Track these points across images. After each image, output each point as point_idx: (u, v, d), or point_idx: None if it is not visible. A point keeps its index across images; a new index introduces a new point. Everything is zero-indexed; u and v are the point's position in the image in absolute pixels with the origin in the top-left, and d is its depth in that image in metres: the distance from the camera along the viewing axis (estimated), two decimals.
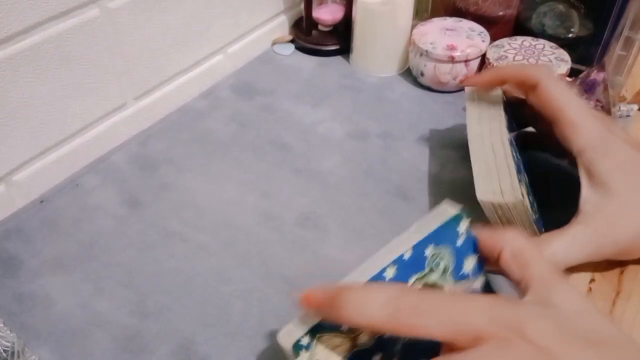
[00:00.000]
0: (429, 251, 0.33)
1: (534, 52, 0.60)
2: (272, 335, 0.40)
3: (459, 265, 0.34)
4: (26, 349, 0.38)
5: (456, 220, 0.33)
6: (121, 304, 0.42)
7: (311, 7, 0.70)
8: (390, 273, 0.32)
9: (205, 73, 0.66)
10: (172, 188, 0.52)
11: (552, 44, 0.61)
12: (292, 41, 0.74)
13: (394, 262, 0.32)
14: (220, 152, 0.57)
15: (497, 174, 0.40)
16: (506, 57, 0.59)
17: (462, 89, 0.65)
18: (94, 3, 0.50)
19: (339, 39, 0.72)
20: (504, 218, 0.41)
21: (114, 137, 0.57)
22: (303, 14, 0.72)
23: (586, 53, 0.62)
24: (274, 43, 0.74)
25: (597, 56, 0.62)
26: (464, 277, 0.34)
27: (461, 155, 0.56)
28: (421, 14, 0.73)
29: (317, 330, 0.31)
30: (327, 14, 0.72)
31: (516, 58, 0.59)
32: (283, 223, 0.49)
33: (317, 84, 0.67)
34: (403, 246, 0.32)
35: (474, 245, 0.34)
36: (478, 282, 0.35)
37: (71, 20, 0.48)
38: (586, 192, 0.39)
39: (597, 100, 0.56)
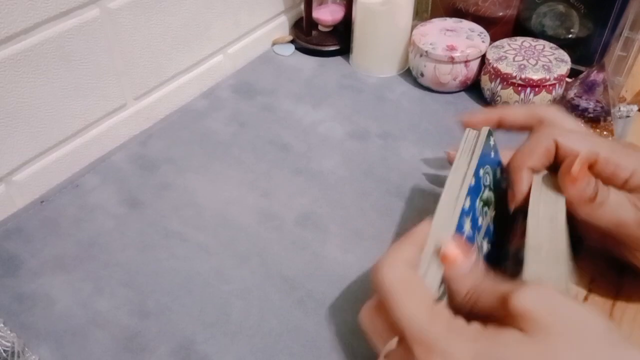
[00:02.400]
0: (482, 172, 0.36)
1: (533, 53, 0.60)
2: (272, 335, 0.40)
3: (495, 174, 0.39)
4: (26, 348, 0.38)
5: (489, 136, 0.37)
6: (121, 303, 0.42)
7: (311, 8, 0.70)
8: (466, 204, 0.33)
9: (206, 73, 0.66)
10: (172, 188, 0.52)
11: (552, 44, 0.61)
12: (292, 41, 0.74)
13: (468, 193, 0.33)
14: (220, 152, 0.57)
15: (559, 269, 0.34)
16: (506, 57, 0.59)
17: (461, 90, 0.65)
18: (94, 3, 0.50)
19: (339, 39, 0.72)
20: None
21: (114, 137, 0.57)
22: (303, 14, 0.72)
23: (586, 53, 0.62)
24: (274, 43, 0.74)
25: (597, 57, 0.62)
26: (499, 182, 0.39)
27: None
28: (421, 15, 0.73)
29: None
30: (327, 14, 0.72)
31: (516, 58, 0.59)
32: (283, 223, 0.49)
33: (317, 84, 0.67)
34: (467, 176, 0.34)
35: (498, 154, 0.39)
36: (505, 184, 0.39)
37: (71, 21, 0.48)
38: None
39: (597, 101, 0.56)
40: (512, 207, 0.38)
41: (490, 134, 0.37)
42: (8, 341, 0.38)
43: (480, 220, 0.36)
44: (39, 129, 0.50)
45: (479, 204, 0.35)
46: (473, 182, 0.34)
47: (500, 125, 0.42)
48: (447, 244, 0.30)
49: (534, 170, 0.38)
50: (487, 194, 0.37)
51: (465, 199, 0.33)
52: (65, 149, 0.53)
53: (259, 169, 0.55)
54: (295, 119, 0.61)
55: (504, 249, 0.39)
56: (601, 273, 0.42)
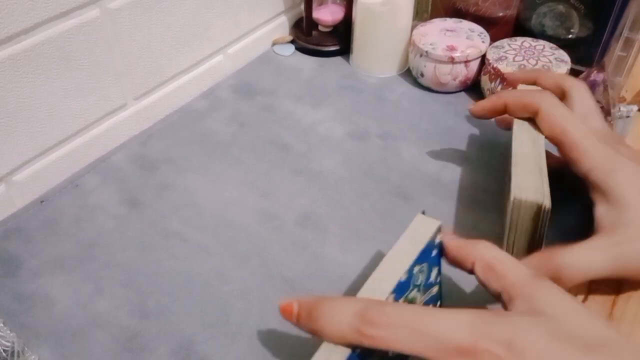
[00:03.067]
0: (416, 269, 0.32)
1: (533, 53, 0.60)
2: (272, 335, 0.40)
3: (428, 275, 0.34)
4: (26, 348, 0.38)
5: (437, 233, 0.33)
6: (121, 303, 0.42)
7: (311, 8, 0.70)
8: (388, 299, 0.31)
9: (206, 73, 0.66)
10: (172, 188, 0.52)
11: (552, 44, 0.61)
12: (292, 42, 0.74)
13: (394, 290, 0.30)
14: (220, 152, 0.57)
15: (541, 179, 0.39)
16: (506, 57, 0.59)
17: (461, 90, 0.65)
18: (94, 3, 0.50)
19: (339, 39, 0.72)
20: (521, 224, 0.40)
21: (114, 137, 0.57)
22: (303, 14, 0.72)
23: (586, 54, 0.62)
24: (274, 43, 0.74)
25: (597, 57, 0.62)
26: (430, 286, 0.35)
27: (461, 156, 0.56)
28: (421, 15, 0.73)
29: None
30: (327, 14, 0.72)
31: (516, 59, 0.59)
32: (283, 223, 0.49)
33: (317, 85, 0.67)
34: (398, 271, 0.31)
35: (440, 254, 0.35)
36: (435, 288, 0.37)
37: (71, 21, 0.48)
38: (601, 209, 0.38)
39: (597, 101, 0.56)
40: (470, 107, 0.48)
41: (439, 230, 0.33)
42: (8, 341, 0.38)
43: None
44: (39, 129, 0.50)
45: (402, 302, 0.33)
46: (404, 278, 0.31)
47: (500, 108, 0.46)
48: None
49: (504, 108, 0.46)
50: (414, 294, 0.33)
51: (389, 295, 0.30)
52: (65, 149, 0.53)
53: (259, 169, 0.55)
54: (295, 119, 0.61)
55: None
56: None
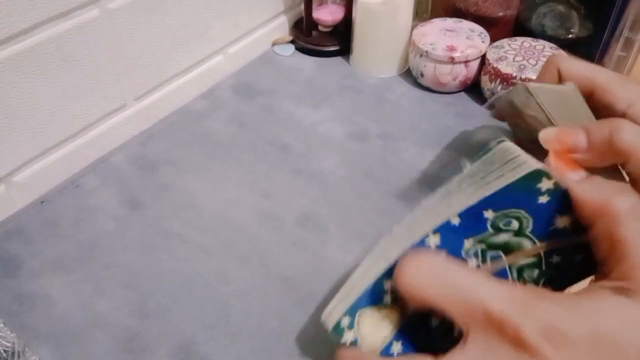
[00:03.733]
0: (489, 214, 0.27)
1: (533, 53, 0.60)
2: (272, 335, 0.40)
3: (542, 222, 0.27)
4: (26, 349, 0.38)
5: (537, 176, 0.25)
6: (121, 304, 0.42)
7: (311, 8, 0.70)
8: (433, 241, 0.28)
9: (206, 73, 0.66)
10: (172, 188, 0.52)
11: (552, 44, 0.61)
12: (292, 42, 0.74)
13: (438, 229, 0.27)
14: (220, 152, 0.57)
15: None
16: (506, 57, 0.59)
17: (461, 90, 0.65)
18: (94, 4, 0.50)
19: (339, 39, 0.72)
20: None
21: (114, 137, 0.57)
22: (303, 14, 0.72)
23: (586, 54, 0.62)
24: (274, 44, 0.74)
25: (597, 57, 0.62)
26: (556, 234, 0.28)
27: (461, 156, 0.56)
28: (421, 15, 0.73)
29: (356, 308, 0.29)
30: (327, 14, 0.72)
31: (516, 59, 0.59)
32: (283, 223, 0.49)
33: (317, 85, 0.67)
34: (450, 209, 0.26)
35: (566, 205, 0.26)
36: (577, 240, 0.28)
37: (71, 21, 0.48)
38: None
39: None
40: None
41: (541, 174, 0.25)
42: (8, 341, 0.38)
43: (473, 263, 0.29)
44: (39, 129, 0.50)
45: (474, 246, 0.28)
46: (457, 222, 0.26)
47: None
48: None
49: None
50: (506, 237, 0.28)
51: (429, 236, 0.26)
52: (65, 149, 0.53)
53: (259, 169, 0.55)
54: (295, 120, 0.61)
55: None
56: None
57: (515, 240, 0.28)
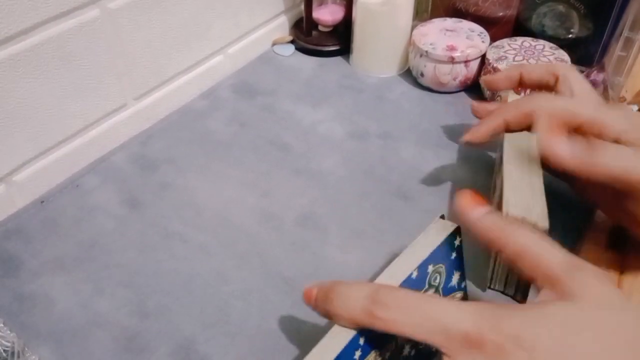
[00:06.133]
0: (430, 268, 0.32)
1: (533, 53, 0.60)
2: (272, 335, 0.40)
3: (448, 278, 0.34)
4: (26, 349, 0.38)
5: (454, 234, 0.33)
6: (121, 304, 0.42)
7: (311, 8, 0.70)
8: None
9: (206, 73, 0.66)
10: (173, 188, 0.52)
11: (552, 44, 0.61)
12: (292, 42, 0.74)
13: (404, 282, 0.31)
14: (220, 152, 0.57)
15: (532, 195, 0.38)
16: (506, 57, 0.59)
17: (461, 90, 0.65)
18: (94, 3, 0.50)
19: (339, 39, 0.72)
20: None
21: (114, 137, 0.57)
22: (303, 14, 0.72)
23: (586, 54, 0.62)
24: (274, 43, 0.74)
25: (597, 57, 0.62)
26: (452, 290, 0.35)
27: (461, 156, 0.56)
28: (421, 15, 0.73)
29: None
30: (327, 14, 0.72)
31: (516, 59, 0.59)
32: (283, 223, 0.49)
33: (317, 85, 0.67)
34: (409, 266, 0.31)
35: (461, 259, 0.35)
36: (459, 294, 0.37)
37: (71, 21, 0.48)
38: None
39: None
40: (465, 138, 0.44)
41: (457, 233, 0.33)
42: (8, 341, 0.38)
43: None
44: (39, 129, 0.50)
45: None
46: (415, 275, 0.31)
47: (521, 82, 0.44)
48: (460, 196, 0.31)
49: (508, 126, 0.42)
50: (432, 294, 0.34)
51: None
52: (65, 149, 0.53)
53: (259, 169, 0.55)
54: (295, 119, 0.61)
55: None
56: (599, 258, 0.42)
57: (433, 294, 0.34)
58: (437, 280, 0.33)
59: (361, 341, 0.29)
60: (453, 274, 0.35)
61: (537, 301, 0.27)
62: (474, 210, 0.31)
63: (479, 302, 0.27)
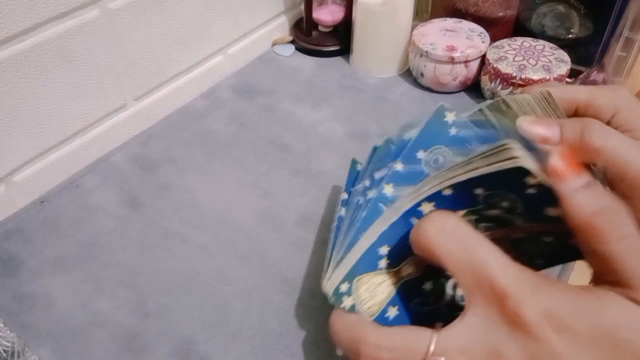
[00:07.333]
0: (480, 191, 0.28)
1: (533, 53, 0.60)
2: (272, 335, 0.40)
3: (533, 208, 0.28)
4: (26, 348, 0.38)
5: (520, 173, 0.25)
6: (121, 303, 0.42)
7: (311, 8, 0.70)
8: (427, 208, 0.28)
9: (206, 73, 0.66)
10: (173, 188, 0.52)
11: (552, 44, 0.61)
12: (292, 42, 0.74)
13: (431, 198, 0.28)
14: (220, 152, 0.57)
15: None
16: (506, 57, 0.59)
17: (461, 90, 0.65)
18: (94, 4, 0.50)
19: (339, 39, 0.72)
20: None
21: (114, 137, 0.57)
22: (303, 14, 0.72)
23: (586, 54, 0.62)
24: (274, 44, 0.74)
25: (597, 57, 0.62)
26: (547, 220, 0.28)
27: None
28: (421, 15, 0.73)
29: (354, 274, 0.30)
30: (327, 14, 0.72)
31: (516, 59, 0.59)
32: (283, 223, 0.49)
33: (317, 85, 0.67)
34: (442, 183, 0.27)
35: (555, 199, 0.25)
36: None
37: (71, 21, 0.48)
38: None
39: None
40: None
41: (526, 172, 0.24)
42: (8, 341, 0.38)
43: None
44: (39, 129, 0.50)
45: (463, 216, 0.29)
46: (449, 192, 0.27)
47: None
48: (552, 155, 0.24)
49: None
50: (497, 213, 0.29)
51: (422, 204, 0.28)
52: (65, 149, 0.53)
53: (259, 169, 0.55)
54: (295, 120, 0.61)
55: None
56: None
57: (507, 216, 0.28)
58: (504, 204, 0.28)
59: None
60: (545, 207, 0.27)
61: (593, 289, 0.24)
62: (569, 179, 0.24)
63: (529, 269, 0.25)
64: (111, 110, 0.56)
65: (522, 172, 0.24)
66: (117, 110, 0.57)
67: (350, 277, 0.30)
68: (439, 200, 0.28)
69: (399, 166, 0.30)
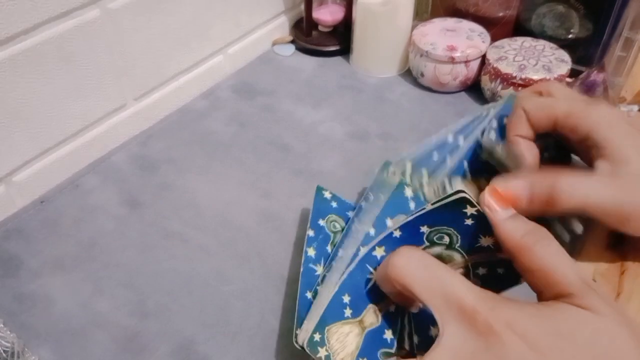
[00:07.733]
0: (424, 229, 0.31)
1: (533, 53, 0.60)
2: (272, 335, 0.40)
3: (468, 240, 0.31)
4: (26, 349, 0.38)
5: (460, 204, 0.29)
6: (121, 304, 0.42)
7: (311, 8, 0.70)
8: (379, 253, 0.32)
9: (206, 73, 0.66)
10: (172, 188, 0.52)
11: (552, 44, 0.61)
12: (292, 42, 0.74)
13: (382, 242, 0.31)
14: (220, 152, 0.57)
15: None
16: (506, 57, 0.59)
17: (462, 90, 0.65)
18: (95, 4, 0.50)
19: (339, 39, 0.72)
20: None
21: (114, 137, 0.57)
22: (303, 14, 0.72)
23: (586, 54, 0.62)
24: (274, 44, 0.74)
25: (596, 57, 0.62)
26: (481, 250, 0.31)
27: None
28: (421, 15, 0.73)
29: (323, 325, 0.32)
30: (327, 14, 0.72)
31: (516, 59, 0.59)
32: (283, 223, 0.49)
33: (317, 85, 0.67)
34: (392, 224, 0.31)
35: (489, 228, 0.29)
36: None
37: (72, 21, 0.48)
38: (600, 164, 0.34)
39: None
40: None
41: (465, 202, 0.29)
42: (8, 341, 0.38)
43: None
44: (39, 129, 0.50)
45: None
46: (398, 234, 0.31)
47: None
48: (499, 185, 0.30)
49: (526, 137, 0.38)
50: (439, 250, 0.32)
51: (375, 249, 0.32)
52: (65, 149, 0.53)
53: (259, 169, 0.55)
54: (295, 120, 0.61)
55: None
56: (601, 273, 0.42)
57: (446, 252, 0.32)
58: (444, 240, 0.31)
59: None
60: (480, 237, 0.31)
61: (546, 303, 0.27)
62: (499, 211, 0.30)
63: (489, 290, 0.27)
64: (111, 110, 0.56)
65: (461, 205, 0.29)
66: (117, 110, 0.57)
67: (320, 327, 0.32)
68: (389, 243, 0.31)
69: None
